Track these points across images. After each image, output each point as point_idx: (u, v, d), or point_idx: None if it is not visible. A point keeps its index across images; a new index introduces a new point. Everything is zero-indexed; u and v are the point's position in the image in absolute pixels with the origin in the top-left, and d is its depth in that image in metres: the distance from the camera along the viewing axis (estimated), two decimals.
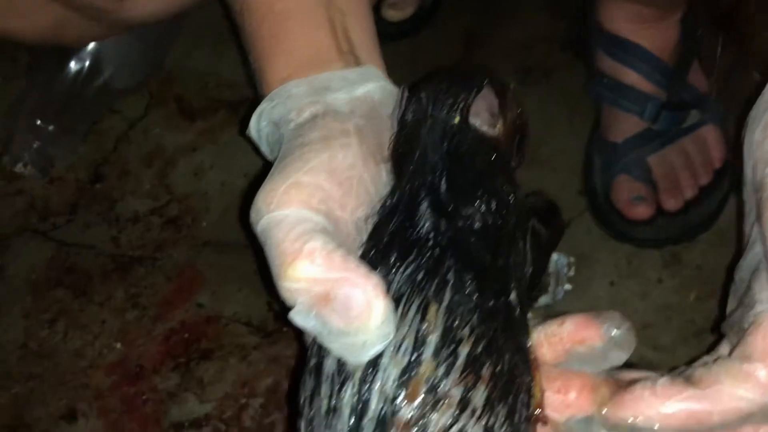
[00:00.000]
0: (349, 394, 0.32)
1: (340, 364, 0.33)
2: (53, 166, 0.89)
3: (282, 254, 0.32)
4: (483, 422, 0.32)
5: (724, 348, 0.35)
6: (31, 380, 0.76)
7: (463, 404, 0.32)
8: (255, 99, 0.43)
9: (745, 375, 0.32)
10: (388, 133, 0.39)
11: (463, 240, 0.35)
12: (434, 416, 0.31)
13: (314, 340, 0.34)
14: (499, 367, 0.33)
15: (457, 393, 0.32)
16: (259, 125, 0.43)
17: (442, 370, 0.32)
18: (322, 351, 0.33)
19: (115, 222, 0.87)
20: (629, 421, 0.34)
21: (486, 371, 0.32)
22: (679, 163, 0.76)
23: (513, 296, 0.35)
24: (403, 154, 0.37)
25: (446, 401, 0.31)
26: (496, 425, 0.32)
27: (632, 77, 0.78)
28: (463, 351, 0.32)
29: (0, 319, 0.80)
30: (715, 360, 0.34)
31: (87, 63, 0.87)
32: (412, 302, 0.33)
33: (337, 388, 0.32)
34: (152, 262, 0.83)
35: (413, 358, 0.32)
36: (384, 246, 0.35)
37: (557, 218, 0.42)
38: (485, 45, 0.96)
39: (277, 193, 0.34)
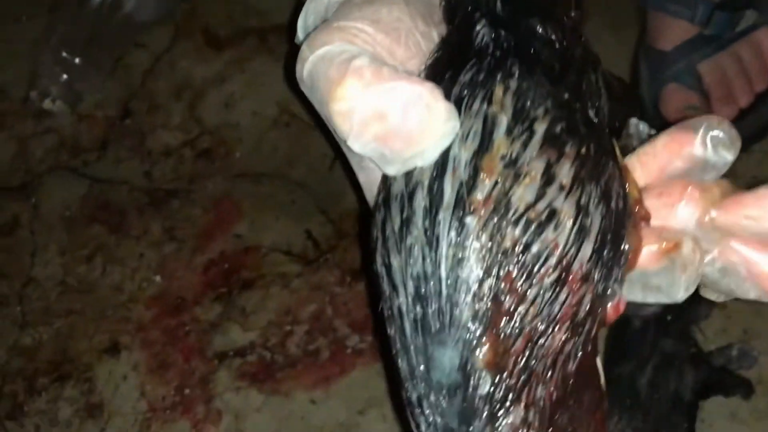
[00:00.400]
0: (420, 197, 0.29)
1: (408, 179, 0.29)
2: (82, 101, 0.87)
3: (329, 80, 0.30)
4: (574, 198, 0.28)
5: None
6: (72, 315, 0.76)
7: (548, 177, 0.28)
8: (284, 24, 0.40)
9: None
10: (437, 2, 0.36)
11: (527, 44, 0.31)
12: (517, 190, 0.28)
13: (383, 180, 0.31)
14: (584, 149, 0.29)
15: (539, 166, 0.28)
16: (306, 23, 0.40)
17: (518, 144, 0.28)
18: (387, 180, 0.31)
19: (147, 156, 0.85)
20: (744, 222, 0.30)
21: (570, 149, 0.29)
22: (732, 70, 0.72)
23: (591, 113, 0.31)
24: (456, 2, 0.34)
25: (528, 174, 0.28)
26: (590, 204, 0.29)
27: None
28: (540, 128, 0.29)
29: (37, 257, 0.79)
30: None
31: None
32: (476, 96, 0.29)
33: (407, 198, 0.29)
34: (187, 194, 0.82)
35: (485, 139, 0.28)
36: (440, 65, 0.32)
37: (629, 88, 0.39)
38: None
39: (320, 36, 0.32)
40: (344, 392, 0.69)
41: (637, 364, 0.61)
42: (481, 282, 0.28)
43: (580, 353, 0.29)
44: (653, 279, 0.32)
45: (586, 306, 0.29)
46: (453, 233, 0.28)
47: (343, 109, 0.29)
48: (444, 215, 0.28)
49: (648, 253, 0.31)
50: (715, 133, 0.31)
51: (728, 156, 0.31)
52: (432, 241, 0.28)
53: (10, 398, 0.72)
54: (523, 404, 0.28)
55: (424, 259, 0.29)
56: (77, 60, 0.83)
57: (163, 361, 0.73)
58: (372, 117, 0.29)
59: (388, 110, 0.29)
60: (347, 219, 0.78)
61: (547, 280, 0.28)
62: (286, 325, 0.72)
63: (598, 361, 0.32)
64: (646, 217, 0.31)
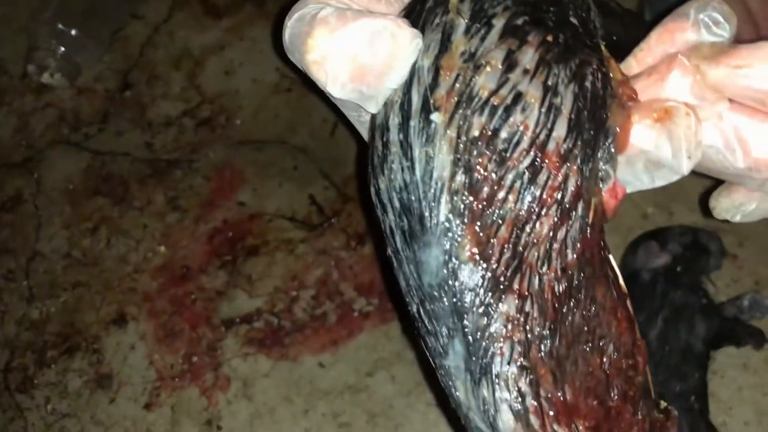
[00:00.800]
0: (393, 115, 0.30)
1: (384, 107, 0.30)
2: (80, 74, 0.86)
3: (301, 36, 0.31)
4: (540, 80, 0.28)
5: None
6: (78, 288, 0.75)
7: (509, 64, 0.28)
8: None
9: None
10: None
11: None
12: (478, 80, 0.28)
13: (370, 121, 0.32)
14: (549, 36, 0.29)
15: (499, 55, 0.28)
16: None
17: (476, 40, 0.29)
18: (372, 119, 0.32)
19: (148, 127, 0.84)
20: (739, 78, 0.30)
21: (533, 38, 0.29)
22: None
23: (571, 16, 0.31)
24: None
25: (488, 64, 0.28)
26: (560, 85, 0.28)
27: None
28: (498, 22, 0.29)
29: (42, 231, 0.79)
30: None
31: None
32: (436, 13, 0.30)
33: (384, 122, 0.30)
34: (189, 164, 0.81)
35: (444, 44, 0.29)
36: (409, 6, 0.32)
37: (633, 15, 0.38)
38: None
39: (297, 3, 0.33)
40: (352, 355, 0.68)
41: (648, 317, 0.61)
42: (453, 175, 0.28)
43: (578, 241, 0.29)
44: (653, 155, 0.31)
45: (572, 187, 0.28)
46: (423, 135, 0.28)
47: (316, 58, 0.30)
48: (414, 122, 0.29)
49: (642, 128, 0.31)
50: (707, 12, 0.30)
51: (725, 33, 0.30)
52: (407, 150, 0.28)
53: (20, 371, 0.72)
54: (516, 294, 0.28)
55: (402, 170, 0.29)
56: (74, 32, 0.82)
57: (171, 330, 0.72)
58: (344, 59, 0.30)
59: (357, 49, 0.29)
60: (350, 183, 0.77)
61: (522, 164, 0.28)
62: (292, 290, 0.72)
63: (611, 259, 0.31)
64: (632, 96, 0.31)
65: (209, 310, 0.72)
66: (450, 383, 0.30)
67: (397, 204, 0.29)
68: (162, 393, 0.69)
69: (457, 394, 0.30)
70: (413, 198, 0.28)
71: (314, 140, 0.81)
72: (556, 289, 0.28)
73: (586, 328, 0.29)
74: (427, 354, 0.31)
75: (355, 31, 0.29)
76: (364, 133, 0.37)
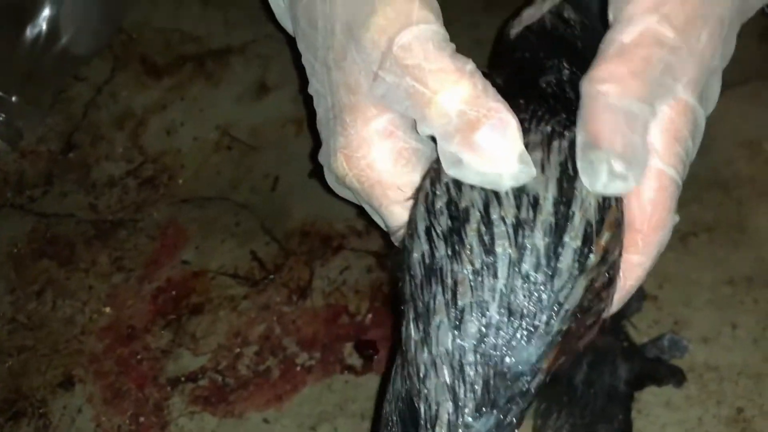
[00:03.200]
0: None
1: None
2: (22, 138, 0.88)
3: (443, 71, 0.34)
4: None
5: None
6: (24, 352, 0.76)
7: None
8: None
9: None
10: None
11: None
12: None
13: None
14: None
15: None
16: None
17: None
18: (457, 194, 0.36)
19: (92, 188, 0.86)
20: None
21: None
22: None
23: None
24: None
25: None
26: None
27: None
28: None
29: None
30: None
31: (44, 29, 0.85)
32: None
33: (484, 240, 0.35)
34: (133, 223, 0.83)
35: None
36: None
37: None
38: None
39: (404, 10, 0.36)
40: (296, 409, 0.70)
41: (573, 362, 0.64)
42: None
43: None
44: None
45: None
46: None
47: (450, 109, 0.34)
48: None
49: None
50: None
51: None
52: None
53: None
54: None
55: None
56: (14, 98, 0.84)
57: (117, 391, 0.73)
58: (467, 126, 0.34)
59: (480, 126, 0.34)
60: (292, 237, 0.79)
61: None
62: (235, 347, 0.74)
63: None
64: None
65: (155, 370, 0.74)
66: None
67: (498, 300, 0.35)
68: None
69: None
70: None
71: (256, 196, 0.83)
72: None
73: None
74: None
75: (490, 111, 0.35)
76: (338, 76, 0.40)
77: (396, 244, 0.42)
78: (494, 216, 0.35)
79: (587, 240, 0.35)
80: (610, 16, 0.37)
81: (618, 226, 0.37)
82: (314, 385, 0.71)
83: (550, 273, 0.34)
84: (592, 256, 0.35)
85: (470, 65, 0.35)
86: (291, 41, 0.47)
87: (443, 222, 0.35)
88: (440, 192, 0.36)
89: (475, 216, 0.35)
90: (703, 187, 0.75)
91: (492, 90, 0.35)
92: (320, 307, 0.75)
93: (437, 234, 0.35)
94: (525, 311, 0.34)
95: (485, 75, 0.44)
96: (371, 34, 0.35)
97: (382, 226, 0.42)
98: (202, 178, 0.84)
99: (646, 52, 0.34)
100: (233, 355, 0.73)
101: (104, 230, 0.83)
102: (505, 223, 0.35)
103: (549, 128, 0.37)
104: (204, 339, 0.75)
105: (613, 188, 0.35)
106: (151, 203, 0.83)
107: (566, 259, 0.34)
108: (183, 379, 0.73)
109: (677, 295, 0.69)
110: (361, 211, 0.46)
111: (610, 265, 0.36)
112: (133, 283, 0.79)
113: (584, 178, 0.35)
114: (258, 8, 0.92)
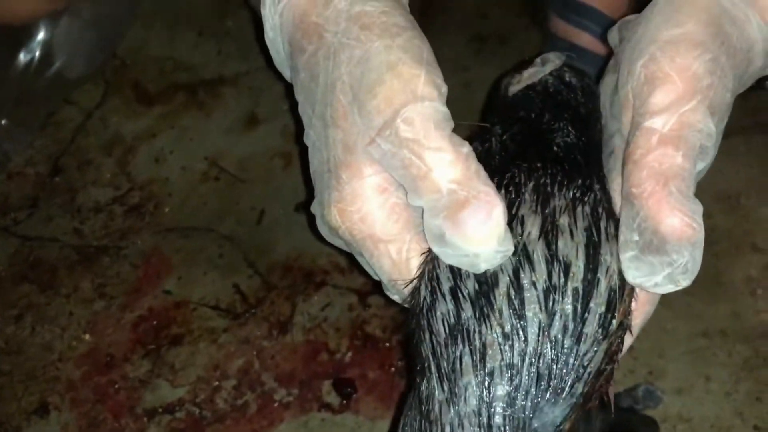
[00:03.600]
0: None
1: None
2: (10, 161, 0.88)
3: (441, 151, 0.36)
4: None
5: None
6: (0, 377, 0.76)
7: None
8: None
9: None
10: None
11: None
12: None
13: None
14: None
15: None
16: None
17: None
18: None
19: (77, 213, 0.86)
20: None
21: None
22: None
23: None
24: None
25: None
26: None
27: (586, 39, 0.78)
28: None
29: None
30: None
31: (37, 53, 0.85)
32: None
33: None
34: (117, 250, 0.83)
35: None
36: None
37: None
38: (444, 13, 0.96)
39: (411, 84, 0.37)
40: None
41: None
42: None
43: None
44: None
45: None
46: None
47: (443, 186, 0.36)
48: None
49: None
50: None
51: None
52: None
53: None
54: None
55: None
56: (4, 121, 0.84)
57: (93, 420, 0.73)
58: (455, 204, 0.36)
59: (467, 206, 0.36)
60: (275, 271, 0.80)
61: None
62: (214, 380, 0.74)
63: None
64: None
65: (132, 400, 0.74)
66: None
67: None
68: None
69: None
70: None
71: (241, 228, 0.83)
72: None
73: None
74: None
75: (479, 194, 0.36)
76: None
77: (389, 294, 0.42)
78: (525, 281, 0.36)
79: (611, 306, 0.36)
80: (627, 98, 0.39)
81: (633, 292, 0.39)
82: (291, 422, 0.71)
83: (577, 338, 0.35)
84: (614, 321, 0.36)
85: (467, 148, 0.37)
86: (282, 77, 0.48)
87: (470, 285, 0.36)
88: None
89: (505, 280, 0.36)
90: None
91: (483, 174, 0.36)
92: (300, 343, 0.75)
93: (463, 295, 0.36)
94: (553, 374, 0.35)
95: (485, 130, 0.46)
96: (377, 102, 0.37)
97: (373, 276, 0.43)
98: (188, 207, 0.85)
99: (688, 145, 0.36)
100: (211, 388, 0.73)
101: (88, 256, 0.83)
102: (536, 288, 0.36)
103: (571, 194, 0.38)
104: (183, 370, 0.75)
105: (664, 289, 0.36)
106: (136, 231, 0.84)
107: (592, 325, 0.36)
108: (160, 410, 0.73)
109: (652, 346, 0.70)
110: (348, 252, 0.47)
111: (624, 329, 0.38)
112: (115, 311, 0.79)
113: (633, 273, 0.36)
114: (251, 41, 0.93)
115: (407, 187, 0.37)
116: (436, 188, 0.36)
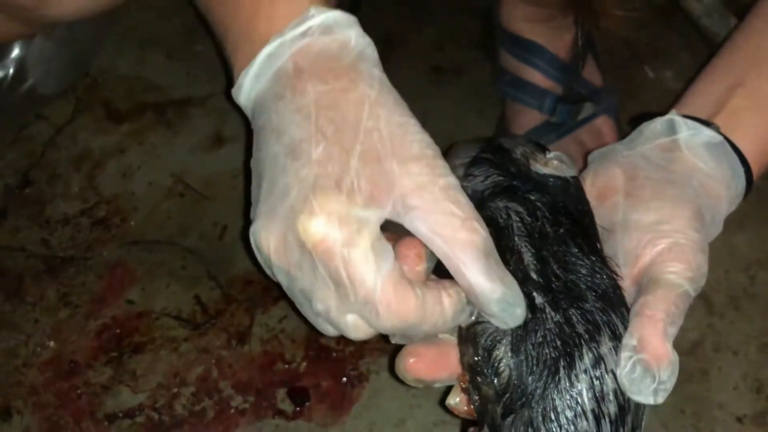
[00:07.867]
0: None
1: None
2: None
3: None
4: None
5: None
6: None
7: None
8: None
9: None
10: None
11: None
12: None
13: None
14: None
15: None
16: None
17: None
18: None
19: (45, 224, 0.89)
20: None
21: None
22: (575, 152, 0.82)
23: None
24: None
25: None
26: None
27: (531, 74, 0.84)
28: None
29: None
30: None
31: (11, 70, 0.89)
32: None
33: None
34: (83, 261, 0.86)
35: None
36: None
37: None
38: (404, 45, 1.02)
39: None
40: None
41: None
42: None
43: None
44: None
45: None
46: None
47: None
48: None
49: None
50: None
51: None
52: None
53: None
54: None
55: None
56: None
57: (55, 424, 0.76)
58: None
59: None
60: (235, 284, 0.84)
61: None
62: (173, 387, 0.77)
63: None
64: None
65: (94, 405, 0.77)
66: None
67: None
68: None
69: None
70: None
71: (204, 242, 0.87)
72: None
73: None
74: None
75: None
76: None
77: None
78: None
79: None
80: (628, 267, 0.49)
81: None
82: (246, 428, 0.75)
83: None
84: None
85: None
86: None
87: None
88: None
89: None
90: None
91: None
92: (257, 353, 0.79)
93: None
94: None
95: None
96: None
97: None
98: (153, 221, 0.88)
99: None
100: (171, 395, 0.77)
101: (54, 266, 0.86)
102: None
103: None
104: (144, 377, 0.78)
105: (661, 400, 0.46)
106: (102, 243, 0.87)
107: None
108: (121, 415, 0.76)
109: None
110: None
111: None
112: (79, 319, 0.82)
113: (639, 398, 0.45)
114: (219, 64, 0.98)
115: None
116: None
